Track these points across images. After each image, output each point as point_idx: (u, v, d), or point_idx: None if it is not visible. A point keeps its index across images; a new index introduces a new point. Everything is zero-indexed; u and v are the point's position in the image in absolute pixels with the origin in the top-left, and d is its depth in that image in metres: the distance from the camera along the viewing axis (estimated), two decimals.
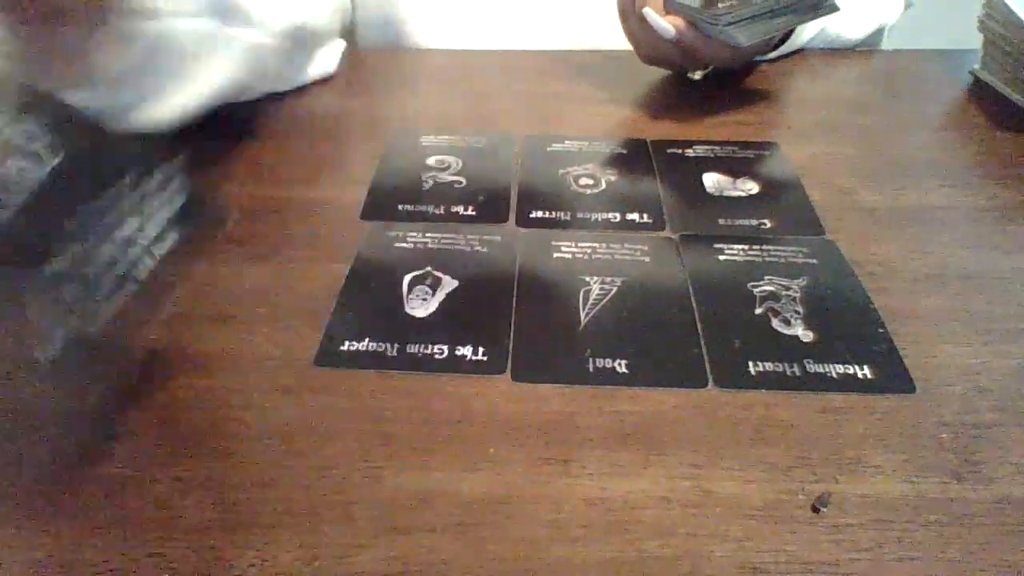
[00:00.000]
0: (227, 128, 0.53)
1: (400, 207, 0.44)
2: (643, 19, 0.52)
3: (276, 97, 0.59)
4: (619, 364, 0.34)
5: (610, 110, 0.56)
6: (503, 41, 0.66)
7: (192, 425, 0.31)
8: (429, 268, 0.39)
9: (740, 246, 0.41)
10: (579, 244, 0.41)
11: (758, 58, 0.62)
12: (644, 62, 0.57)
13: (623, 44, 0.66)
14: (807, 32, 0.62)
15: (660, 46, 0.53)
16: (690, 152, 0.50)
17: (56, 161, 0.26)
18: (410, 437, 0.31)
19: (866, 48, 0.67)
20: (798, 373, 0.33)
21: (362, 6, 0.68)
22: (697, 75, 0.56)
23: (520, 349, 0.35)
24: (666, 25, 0.51)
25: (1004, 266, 0.40)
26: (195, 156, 0.49)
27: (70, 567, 0.26)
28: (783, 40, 0.61)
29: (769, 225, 0.43)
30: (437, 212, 0.44)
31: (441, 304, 0.37)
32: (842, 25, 0.64)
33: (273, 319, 0.37)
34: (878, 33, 0.68)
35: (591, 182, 0.47)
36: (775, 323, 0.36)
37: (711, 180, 0.47)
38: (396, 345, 0.35)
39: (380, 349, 0.35)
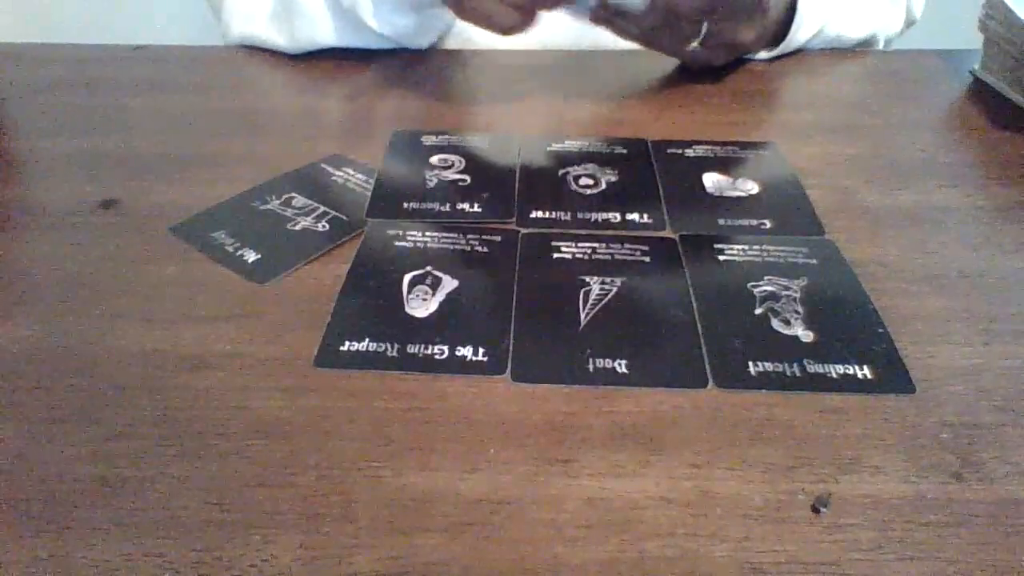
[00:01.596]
0: (227, 127, 0.54)
1: (405, 205, 0.44)
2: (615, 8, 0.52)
3: (277, 95, 0.59)
4: (619, 364, 0.34)
5: (610, 110, 0.56)
6: (502, 40, 0.66)
7: (192, 425, 0.31)
8: (429, 268, 0.39)
9: (740, 246, 0.41)
10: (579, 244, 0.41)
11: (752, 57, 0.61)
12: (643, 46, 0.57)
13: (623, 43, 0.66)
14: (804, 32, 0.61)
15: (644, 21, 0.53)
16: (690, 152, 0.50)
17: None
18: (410, 437, 0.31)
19: (866, 48, 0.67)
20: (798, 373, 0.33)
21: None
22: (693, 44, 0.56)
23: (520, 349, 0.35)
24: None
25: (1004, 266, 0.40)
26: (196, 155, 0.49)
27: (70, 567, 0.26)
28: (780, 38, 0.61)
29: (769, 225, 0.43)
30: (443, 210, 0.44)
31: (441, 304, 0.37)
32: (842, 25, 0.64)
33: (273, 319, 0.37)
34: (876, 40, 0.68)
35: (591, 182, 0.47)
36: (775, 323, 0.36)
37: (711, 180, 0.47)
38: (396, 345, 0.35)
39: (380, 349, 0.35)
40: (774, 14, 0.58)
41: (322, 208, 0.44)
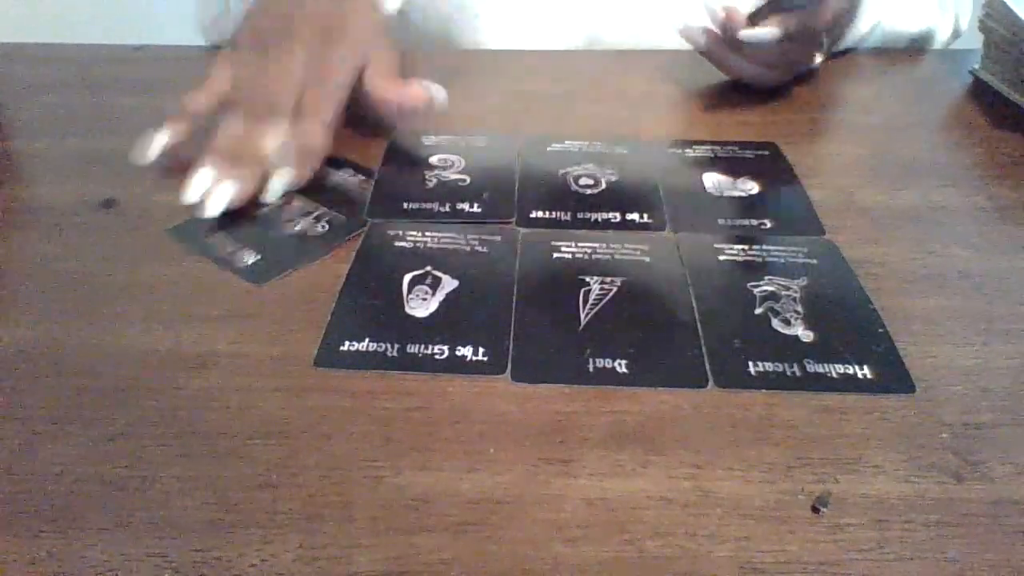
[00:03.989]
0: None
1: (405, 205, 0.44)
2: (742, 47, 0.52)
3: None
4: (619, 364, 0.34)
5: (610, 110, 0.56)
6: (502, 41, 0.66)
7: (192, 425, 0.31)
8: (429, 268, 0.39)
9: (740, 246, 0.41)
10: (579, 244, 0.41)
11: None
12: (771, 85, 0.57)
13: (623, 44, 0.66)
14: (854, 33, 0.61)
15: (773, 59, 0.54)
16: (690, 152, 0.50)
17: None
18: (410, 437, 0.31)
19: (867, 48, 0.67)
20: (798, 373, 0.33)
21: None
22: (818, 59, 0.56)
23: (520, 349, 0.35)
24: (769, 30, 0.50)
25: (1004, 266, 0.40)
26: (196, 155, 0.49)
27: (70, 567, 0.26)
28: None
29: (769, 225, 0.43)
30: (443, 210, 0.44)
31: (441, 304, 0.37)
32: (890, 26, 0.64)
33: (273, 319, 0.37)
34: (930, 39, 0.68)
35: (591, 182, 0.47)
36: (775, 323, 0.36)
37: (711, 180, 0.47)
38: (396, 345, 0.35)
39: (380, 349, 0.35)
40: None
41: (321, 209, 0.44)
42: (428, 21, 0.67)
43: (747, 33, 0.51)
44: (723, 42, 0.53)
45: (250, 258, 0.40)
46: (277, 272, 0.39)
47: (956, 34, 0.70)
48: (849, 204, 0.45)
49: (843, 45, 0.62)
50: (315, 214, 0.44)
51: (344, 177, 0.47)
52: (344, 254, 0.41)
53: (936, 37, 0.68)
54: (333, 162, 0.48)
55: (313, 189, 0.46)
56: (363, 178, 0.47)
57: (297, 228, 0.43)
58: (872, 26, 0.63)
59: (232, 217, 0.43)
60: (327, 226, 0.43)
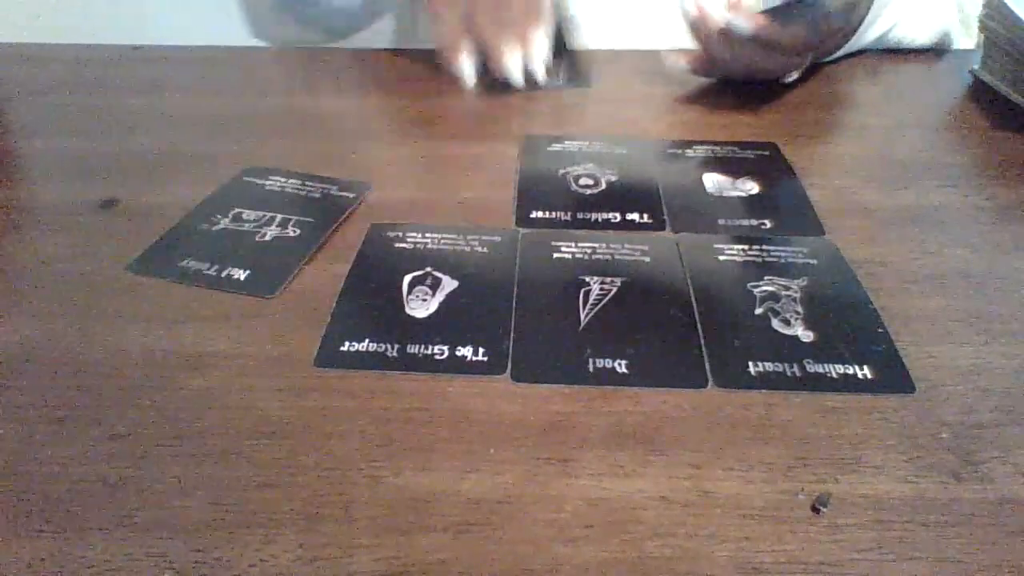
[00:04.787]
0: (227, 127, 0.53)
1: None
2: (724, 34, 0.52)
3: (278, 95, 0.59)
4: (619, 364, 0.34)
5: (610, 110, 0.56)
6: None
7: (192, 425, 0.31)
8: (429, 268, 0.39)
9: (740, 246, 0.41)
10: (579, 244, 0.41)
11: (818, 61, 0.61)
12: (742, 80, 0.57)
13: (623, 44, 0.66)
14: (871, 33, 0.61)
15: (746, 56, 0.54)
16: (690, 152, 0.50)
17: None
18: (410, 437, 0.31)
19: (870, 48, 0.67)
20: (798, 373, 0.33)
21: None
22: (794, 76, 0.56)
23: (520, 349, 0.35)
24: (742, 21, 0.51)
25: (1004, 266, 0.40)
26: (196, 154, 0.49)
27: (70, 567, 0.26)
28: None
29: (769, 225, 0.43)
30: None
31: (441, 304, 0.37)
32: (907, 28, 0.64)
33: (273, 319, 0.37)
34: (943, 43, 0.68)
35: (591, 182, 0.47)
36: (775, 323, 0.36)
37: (711, 180, 0.47)
38: (396, 345, 0.35)
39: (380, 349, 0.35)
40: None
41: (279, 216, 0.43)
42: None
43: (731, 19, 0.52)
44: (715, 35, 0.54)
45: (240, 275, 0.39)
46: (279, 280, 0.39)
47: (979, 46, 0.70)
48: (849, 204, 0.45)
49: (850, 50, 0.62)
50: (276, 222, 0.43)
51: (279, 184, 0.46)
52: (344, 254, 0.41)
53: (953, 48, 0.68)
54: (257, 174, 0.47)
55: (255, 201, 0.45)
56: (297, 182, 0.46)
57: (268, 238, 0.41)
58: (880, 34, 0.63)
59: (188, 241, 0.41)
60: (298, 230, 0.42)
